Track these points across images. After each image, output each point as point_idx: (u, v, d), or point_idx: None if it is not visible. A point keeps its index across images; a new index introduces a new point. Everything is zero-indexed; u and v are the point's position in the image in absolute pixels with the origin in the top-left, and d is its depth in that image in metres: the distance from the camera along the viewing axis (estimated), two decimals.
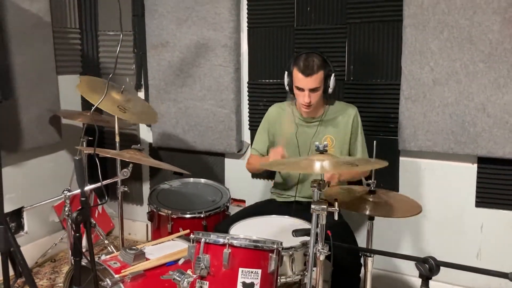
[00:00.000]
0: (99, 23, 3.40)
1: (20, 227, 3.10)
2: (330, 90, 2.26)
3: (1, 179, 1.79)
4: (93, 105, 2.17)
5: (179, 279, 1.51)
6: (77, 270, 1.64)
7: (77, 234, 1.58)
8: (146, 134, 3.42)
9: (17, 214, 3.05)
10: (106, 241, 3.20)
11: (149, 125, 3.34)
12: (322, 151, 1.65)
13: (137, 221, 3.58)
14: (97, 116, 3.11)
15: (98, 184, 2.07)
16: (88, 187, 2.31)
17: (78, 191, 2.21)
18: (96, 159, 1.85)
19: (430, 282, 2.81)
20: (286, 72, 2.30)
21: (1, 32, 2.69)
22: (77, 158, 1.53)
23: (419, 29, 2.43)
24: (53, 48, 3.10)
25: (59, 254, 3.28)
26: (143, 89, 3.33)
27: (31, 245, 3.11)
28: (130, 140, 3.40)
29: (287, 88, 2.31)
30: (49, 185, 3.20)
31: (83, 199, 1.58)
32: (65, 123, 3.26)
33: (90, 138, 3.06)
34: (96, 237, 3.33)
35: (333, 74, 2.25)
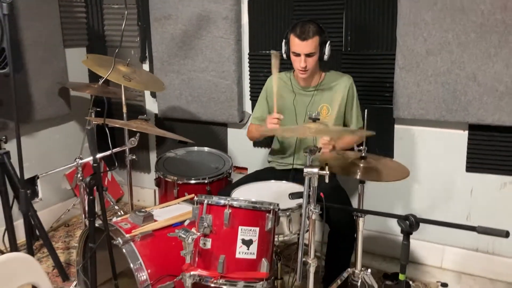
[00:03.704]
0: None
1: (35, 194, 3.26)
2: (325, 57, 2.34)
3: (20, 147, 1.92)
4: (100, 77, 2.27)
5: (184, 236, 1.65)
6: (91, 229, 1.79)
7: (91, 197, 1.72)
8: (152, 105, 3.53)
9: (32, 182, 3.20)
10: (116, 207, 3.37)
11: (154, 96, 3.45)
12: (315, 120, 1.78)
13: (145, 188, 3.74)
14: (105, 88, 3.20)
15: (109, 152, 2.20)
16: (99, 155, 2.44)
17: (90, 159, 2.37)
18: (106, 129, 1.97)
19: (422, 242, 2.96)
20: (284, 40, 2.39)
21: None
22: (89, 128, 1.66)
23: (414, 1, 2.49)
24: (59, 22, 3.19)
25: (72, 220, 3.47)
26: (147, 61, 3.43)
27: (46, 211, 3.29)
28: (137, 111, 3.51)
29: (284, 55, 2.40)
30: (60, 154, 3.36)
31: (95, 165, 1.72)
32: (74, 95, 3.38)
33: (98, 109, 3.15)
34: (106, 203, 3.50)
35: (328, 42, 2.32)
